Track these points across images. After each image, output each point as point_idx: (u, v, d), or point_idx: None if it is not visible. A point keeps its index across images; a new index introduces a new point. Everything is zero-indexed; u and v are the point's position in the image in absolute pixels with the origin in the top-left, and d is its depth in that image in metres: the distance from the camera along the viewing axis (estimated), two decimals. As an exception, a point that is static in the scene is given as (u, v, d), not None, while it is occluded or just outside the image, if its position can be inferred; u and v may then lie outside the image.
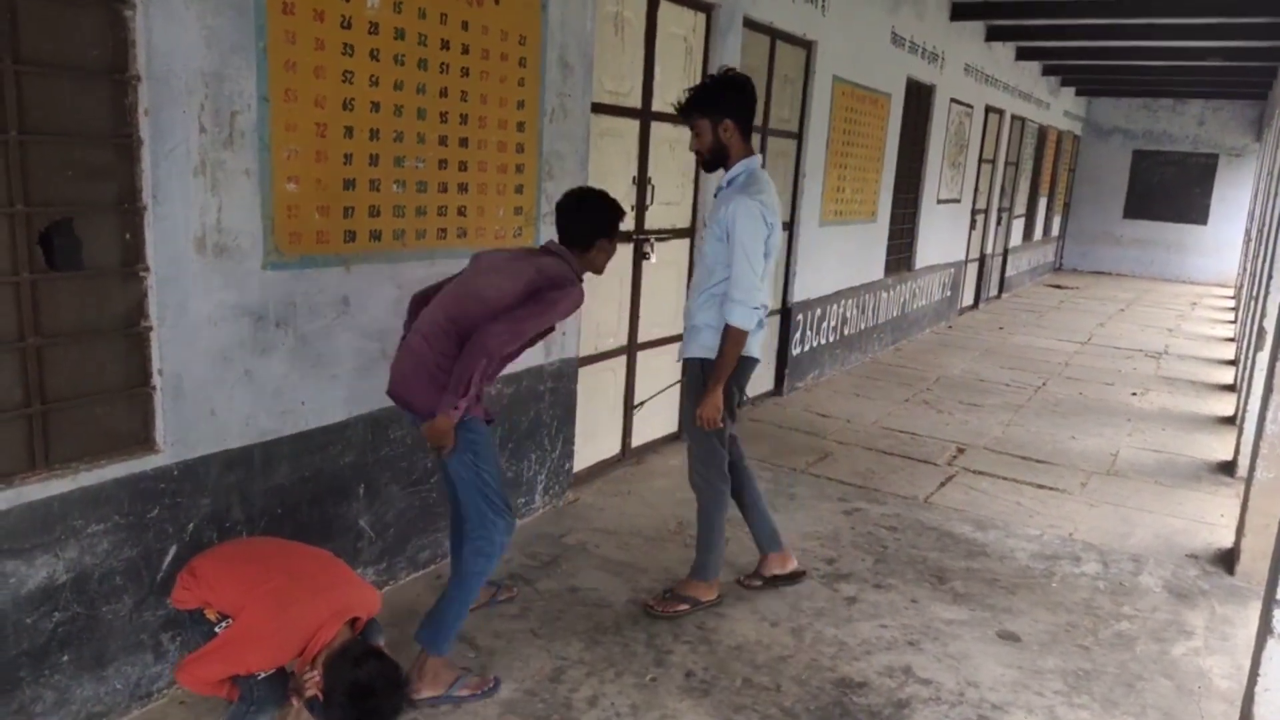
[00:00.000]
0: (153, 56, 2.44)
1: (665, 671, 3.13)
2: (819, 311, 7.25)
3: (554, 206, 2.98)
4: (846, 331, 7.95)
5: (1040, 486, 5.25)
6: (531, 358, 4.00)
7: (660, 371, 5.32)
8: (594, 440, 4.85)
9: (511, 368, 3.92)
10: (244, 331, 2.80)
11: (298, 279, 2.94)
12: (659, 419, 5.42)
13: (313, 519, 3.14)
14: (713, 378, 3.33)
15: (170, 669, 2.77)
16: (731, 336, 3.28)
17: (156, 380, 2.60)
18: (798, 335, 6.94)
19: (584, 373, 4.56)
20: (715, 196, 3.43)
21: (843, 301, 7.73)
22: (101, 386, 2.52)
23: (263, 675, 2.38)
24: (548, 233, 4.03)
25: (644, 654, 3.23)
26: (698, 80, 5.15)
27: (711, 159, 3.34)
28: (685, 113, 3.30)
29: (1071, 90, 15.67)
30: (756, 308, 3.29)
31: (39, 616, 2.42)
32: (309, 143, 2.90)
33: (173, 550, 2.70)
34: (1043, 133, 14.32)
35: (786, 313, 6.76)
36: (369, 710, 2.31)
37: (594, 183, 4.37)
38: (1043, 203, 15.59)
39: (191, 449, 2.71)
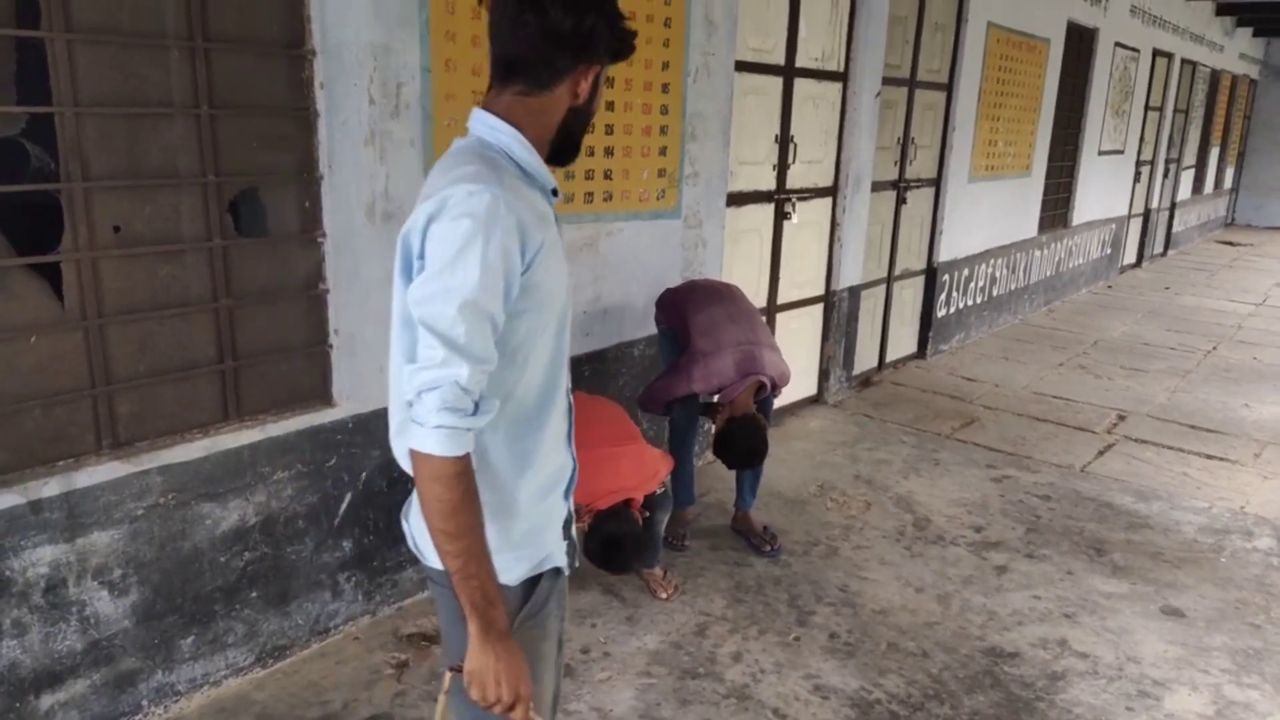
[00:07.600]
0: (327, 31, 2.57)
1: (808, 632, 3.15)
2: (966, 272, 6.98)
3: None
4: (995, 292, 7.63)
5: (1209, 457, 4.94)
6: (675, 319, 4.03)
7: (801, 334, 5.27)
8: (734, 401, 4.84)
9: (649, 330, 3.97)
10: (408, 294, 2.93)
11: (456, 243, 3.06)
12: (797, 383, 5.37)
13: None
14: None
15: (346, 607, 2.99)
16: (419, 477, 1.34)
17: (333, 339, 2.78)
18: (943, 297, 6.72)
19: (725, 334, 4.55)
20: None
21: (992, 260, 7.41)
22: (285, 345, 2.71)
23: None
24: (690, 195, 4.04)
25: (787, 614, 3.26)
26: (844, 31, 5.01)
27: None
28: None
29: (1249, 31, 14.35)
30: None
31: (231, 555, 2.65)
32: (466, 111, 2.97)
33: (348, 497, 2.90)
34: (1215, 77, 13.22)
35: (932, 273, 6.55)
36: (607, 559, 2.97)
37: (736, 142, 4.37)
38: (1214, 153, 14.44)
39: (364, 403, 2.88)
